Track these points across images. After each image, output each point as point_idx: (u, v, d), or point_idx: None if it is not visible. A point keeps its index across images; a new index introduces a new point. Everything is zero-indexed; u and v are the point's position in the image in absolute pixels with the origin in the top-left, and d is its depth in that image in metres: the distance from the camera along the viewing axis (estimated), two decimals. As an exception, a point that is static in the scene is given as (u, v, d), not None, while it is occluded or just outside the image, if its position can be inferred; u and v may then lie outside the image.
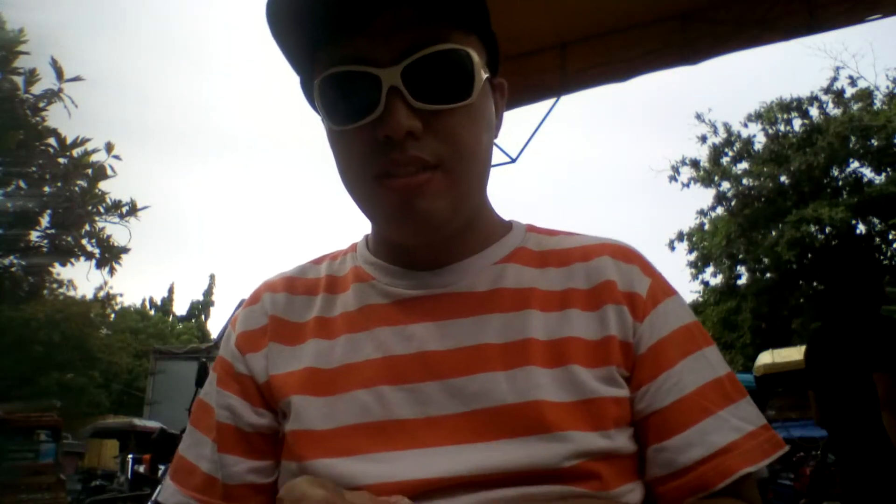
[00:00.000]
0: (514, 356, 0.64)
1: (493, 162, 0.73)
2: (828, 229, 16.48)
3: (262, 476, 0.69)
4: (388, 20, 0.60)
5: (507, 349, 0.65)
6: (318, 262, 0.81)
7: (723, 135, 18.90)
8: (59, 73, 6.24)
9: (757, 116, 18.59)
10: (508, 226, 0.78)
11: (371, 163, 0.62)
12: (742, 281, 18.81)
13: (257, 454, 0.69)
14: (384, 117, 0.60)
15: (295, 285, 0.77)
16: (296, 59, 0.67)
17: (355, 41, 0.61)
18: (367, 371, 0.66)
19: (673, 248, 19.76)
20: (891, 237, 17.12)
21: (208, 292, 39.15)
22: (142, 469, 6.75)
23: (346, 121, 0.62)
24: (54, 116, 6.75)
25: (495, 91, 0.71)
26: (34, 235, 7.15)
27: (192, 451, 0.72)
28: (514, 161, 3.86)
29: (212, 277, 44.98)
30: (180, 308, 39.54)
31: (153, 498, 3.44)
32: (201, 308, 38.59)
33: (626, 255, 0.73)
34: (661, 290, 0.71)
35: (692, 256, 19.69)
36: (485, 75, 0.64)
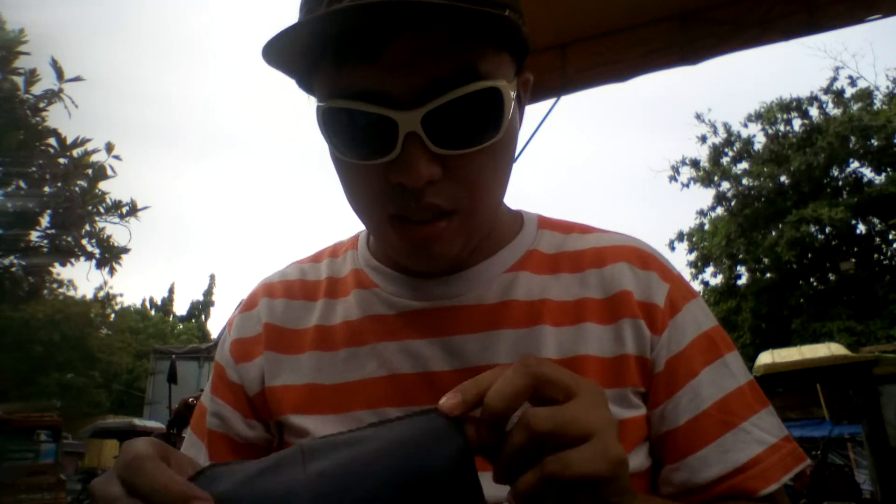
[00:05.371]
0: None
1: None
2: (828, 229, 16.50)
3: None
4: (405, 47, 0.51)
5: None
6: (317, 258, 0.77)
7: (723, 135, 18.93)
8: (59, 73, 6.24)
9: (757, 116, 18.61)
10: (519, 221, 0.73)
11: (384, 203, 0.57)
12: (742, 281, 18.82)
13: None
14: (399, 163, 0.53)
15: (293, 289, 0.73)
16: (292, 73, 0.60)
17: (365, 70, 0.52)
18: (371, 391, 0.64)
19: (673, 248, 19.81)
20: (891, 237, 17.12)
21: (208, 292, 39.23)
22: None
23: (355, 155, 0.56)
24: (54, 116, 6.77)
25: (520, 88, 0.64)
26: (34, 235, 7.14)
27: (190, 453, 0.69)
28: (514, 161, 3.87)
29: (212, 277, 45.23)
30: (180, 308, 39.76)
31: None
32: (201, 308, 38.66)
33: (642, 259, 0.68)
34: (681, 294, 0.67)
35: (692, 256, 19.72)
36: (513, 102, 0.56)
